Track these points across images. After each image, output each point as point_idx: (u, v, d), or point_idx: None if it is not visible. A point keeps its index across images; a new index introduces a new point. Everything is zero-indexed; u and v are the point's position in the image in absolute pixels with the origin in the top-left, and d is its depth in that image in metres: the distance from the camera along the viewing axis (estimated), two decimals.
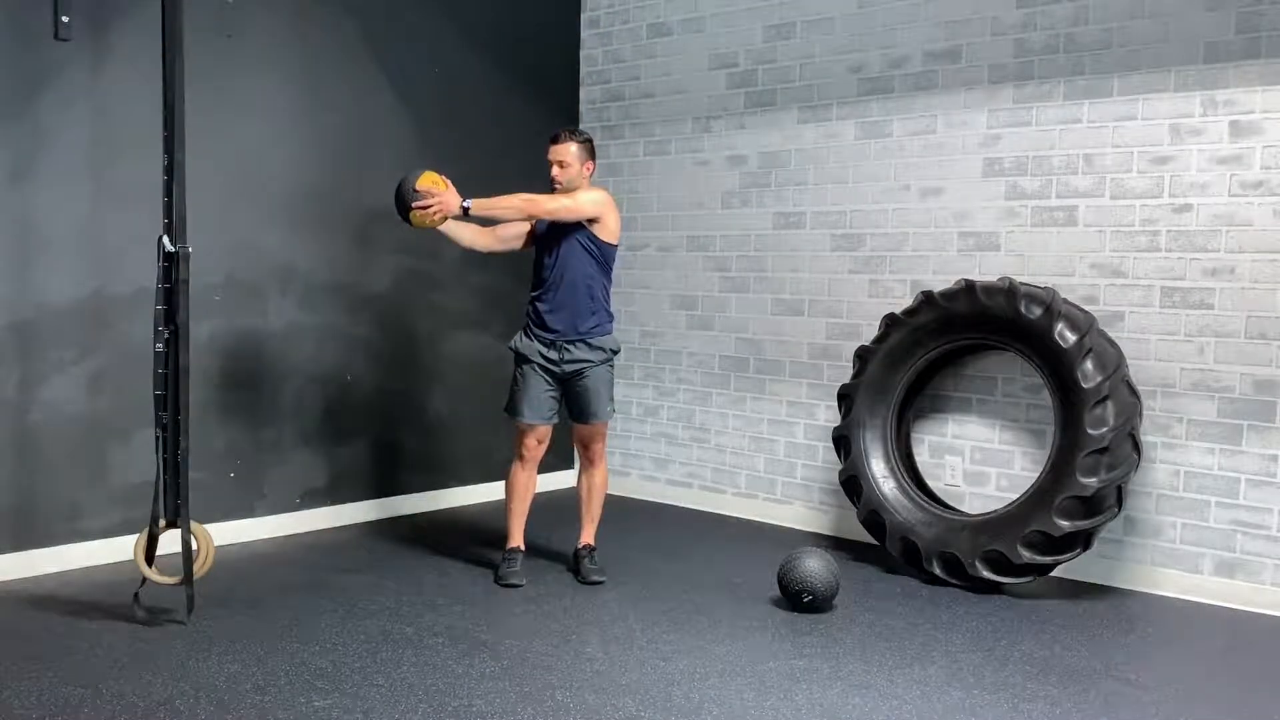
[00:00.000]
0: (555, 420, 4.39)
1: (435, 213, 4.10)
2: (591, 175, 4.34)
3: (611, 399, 4.41)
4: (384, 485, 5.45)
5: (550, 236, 4.29)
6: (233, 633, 3.66)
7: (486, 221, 4.36)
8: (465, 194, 4.13)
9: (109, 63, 4.36)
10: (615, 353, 4.40)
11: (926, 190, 4.98)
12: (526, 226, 4.41)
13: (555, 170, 4.25)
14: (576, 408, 4.37)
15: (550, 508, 5.28)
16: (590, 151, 4.32)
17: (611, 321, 4.40)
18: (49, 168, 4.23)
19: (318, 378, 5.14)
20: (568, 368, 4.29)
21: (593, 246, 4.26)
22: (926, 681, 3.41)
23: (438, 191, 4.09)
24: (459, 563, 4.62)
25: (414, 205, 4.08)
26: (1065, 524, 4.14)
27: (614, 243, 4.33)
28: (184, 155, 3.67)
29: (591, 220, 4.24)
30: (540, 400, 4.31)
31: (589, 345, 4.30)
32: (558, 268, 4.26)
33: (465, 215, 4.13)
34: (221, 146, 4.65)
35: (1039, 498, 4.23)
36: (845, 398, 4.89)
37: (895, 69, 5.06)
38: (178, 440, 3.67)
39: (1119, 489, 4.20)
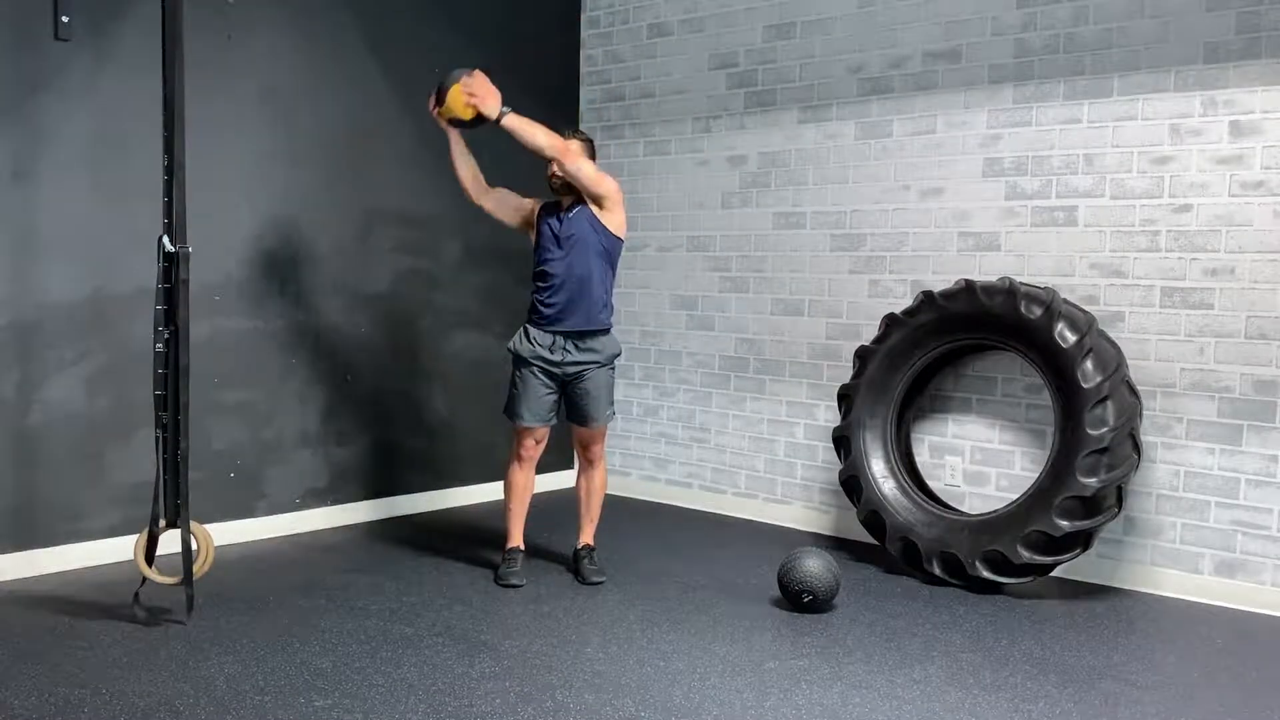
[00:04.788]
0: (554, 421, 4.39)
1: (474, 89, 4.05)
2: None
3: (611, 402, 4.40)
4: (384, 485, 5.45)
5: (560, 229, 4.25)
6: (233, 633, 3.66)
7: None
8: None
9: (109, 63, 4.36)
10: (616, 356, 4.39)
11: (926, 190, 4.98)
12: (529, 208, 4.40)
13: (553, 166, 4.21)
14: (576, 411, 4.36)
15: (550, 508, 5.28)
16: (591, 151, 4.32)
17: (612, 315, 4.39)
18: (49, 168, 4.23)
19: (318, 378, 5.14)
20: (569, 369, 4.28)
21: (604, 239, 4.25)
22: (926, 681, 3.41)
23: (485, 88, 4.06)
24: (459, 563, 4.62)
25: (461, 82, 4.04)
26: (1065, 524, 4.14)
27: (622, 238, 4.32)
28: (184, 155, 3.67)
29: (601, 207, 4.23)
30: (539, 402, 4.30)
31: (589, 347, 4.29)
32: (567, 262, 4.23)
33: (497, 122, 4.07)
34: (222, 146, 4.65)
35: (1039, 498, 4.23)
36: (845, 398, 4.89)
37: (895, 69, 5.06)
38: (178, 440, 3.67)
39: (1119, 489, 4.20)
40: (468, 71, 4.08)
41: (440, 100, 4.12)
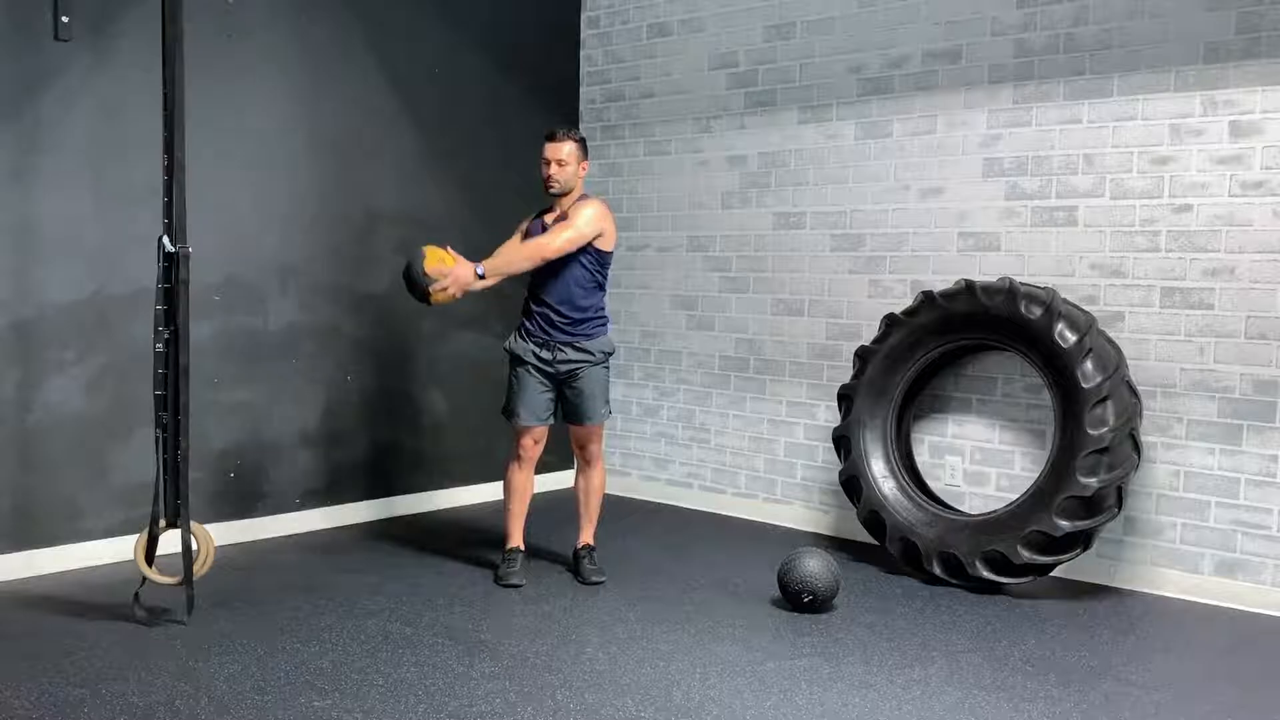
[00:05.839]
0: (552, 421, 4.39)
1: (452, 290, 4.05)
2: (584, 175, 4.33)
3: (607, 401, 4.41)
4: (384, 485, 5.45)
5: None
6: (233, 633, 3.66)
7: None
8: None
9: (109, 63, 4.36)
10: (609, 354, 4.39)
11: (926, 190, 4.98)
12: (520, 238, 4.42)
13: (552, 169, 4.22)
14: (572, 409, 4.37)
15: (550, 508, 5.28)
16: (585, 151, 4.31)
17: (607, 324, 4.39)
18: (49, 168, 4.23)
19: (318, 378, 5.14)
20: (562, 368, 4.28)
21: (589, 256, 4.25)
22: (926, 681, 3.41)
23: (447, 269, 4.03)
24: (459, 563, 4.62)
25: (432, 290, 4.03)
26: (1065, 524, 4.14)
27: (610, 250, 4.32)
28: (184, 155, 3.67)
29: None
30: (536, 402, 4.30)
31: (583, 347, 4.29)
32: (552, 272, 4.25)
33: (481, 279, 4.11)
34: (221, 146, 4.65)
35: (1039, 498, 4.23)
36: (845, 398, 4.89)
37: (895, 69, 5.06)
38: (178, 440, 3.67)
39: (1119, 489, 4.20)
40: (420, 269, 4.02)
41: (429, 303, 4.12)
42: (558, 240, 4.14)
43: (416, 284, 4.04)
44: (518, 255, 4.15)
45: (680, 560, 4.78)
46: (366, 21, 5.21)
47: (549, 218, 4.32)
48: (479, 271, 4.07)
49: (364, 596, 4.11)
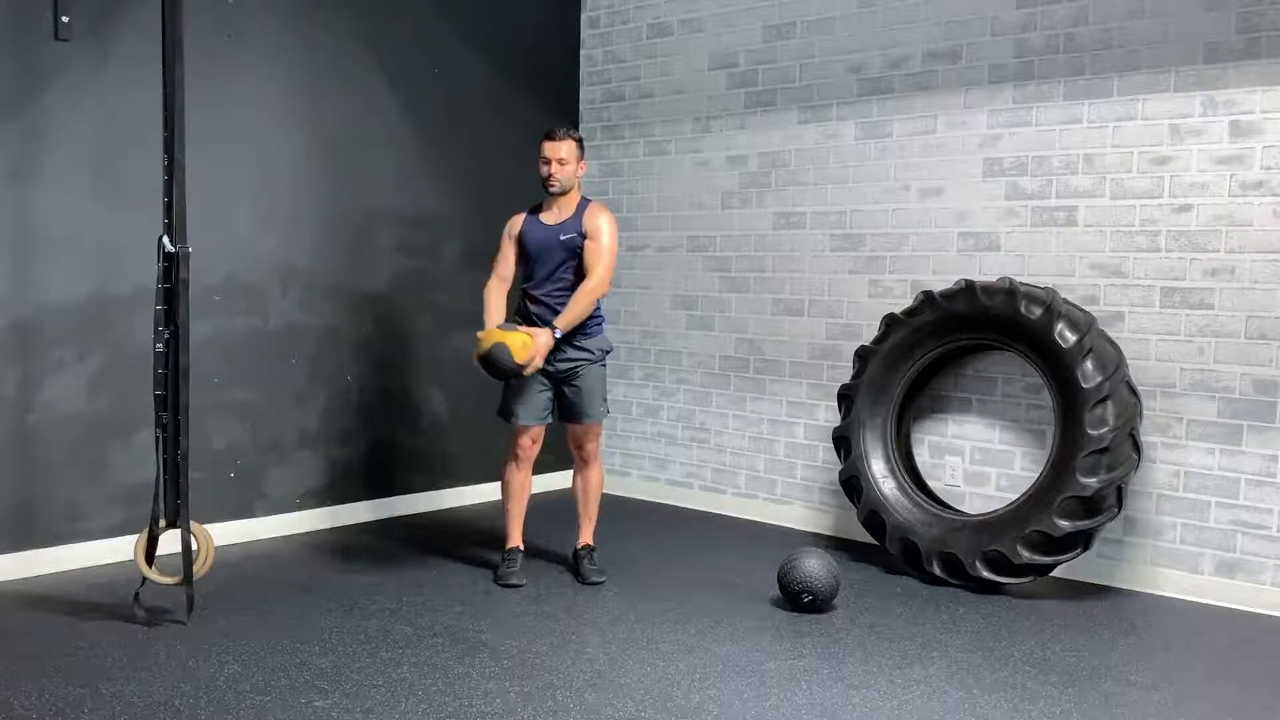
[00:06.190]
0: (549, 420, 4.39)
1: (541, 363, 4.16)
2: (583, 174, 4.34)
3: (605, 399, 4.41)
4: (384, 485, 5.45)
5: (544, 248, 4.29)
6: (233, 633, 3.66)
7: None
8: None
9: (109, 63, 4.36)
10: (607, 352, 4.40)
11: (926, 190, 4.98)
12: (514, 247, 4.41)
13: (553, 168, 4.22)
14: (570, 408, 4.36)
15: (549, 508, 5.28)
16: (583, 150, 4.33)
17: (603, 323, 4.40)
18: (49, 168, 4.23)
19: (318, 378, 5.14)
20: (561, 366, 4.28)
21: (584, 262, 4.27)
22: (926, 681, 3.41)
23: (533, 348, 4.10)
24: (459, 563, 4.62)
25: (526, 372, 4.14)
26: (1065, 524, 4.14)
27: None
28: (184, 155, 3.67)
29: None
30: (535, 401, 4.30)
31: (581, 345, 4.30)
32: (552, 273, 4.26)
33: (558, 338, 4.19)
34: (221, 146, 4.65)
35: (1039, 498, 4.23)
36: (845, 398, 4.89)
37: (895, 69, 5.05)
38: (178, 440, 3.67)
39: (1119, 489, 4.20)
40: (511, 361, 4.07)
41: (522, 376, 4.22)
42: (602, 270, 4.23)
43: (512, 373, 4.15)
44: (584, 305, 4.21)
45: (680, 560, 4.78)
46: (366, 21, 5.21)
47: (545, 217, 4.32)
48: (556, 334, 4.17)
49: (364, 596, 4.11)
